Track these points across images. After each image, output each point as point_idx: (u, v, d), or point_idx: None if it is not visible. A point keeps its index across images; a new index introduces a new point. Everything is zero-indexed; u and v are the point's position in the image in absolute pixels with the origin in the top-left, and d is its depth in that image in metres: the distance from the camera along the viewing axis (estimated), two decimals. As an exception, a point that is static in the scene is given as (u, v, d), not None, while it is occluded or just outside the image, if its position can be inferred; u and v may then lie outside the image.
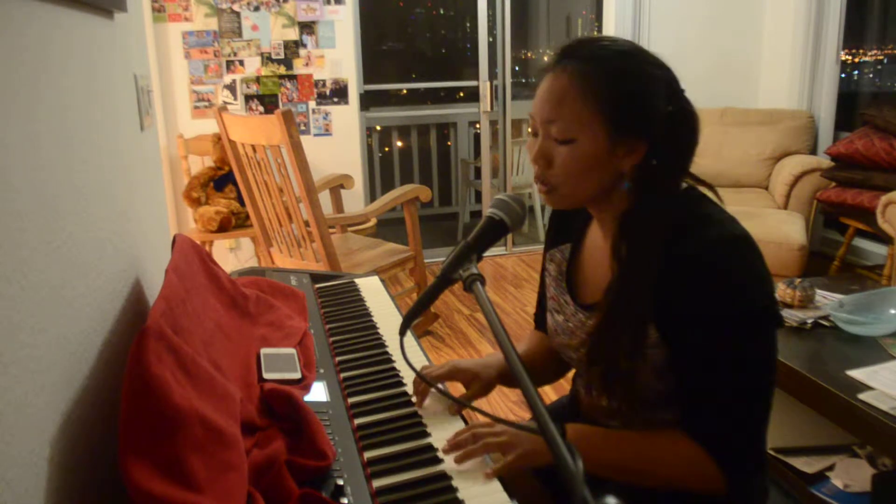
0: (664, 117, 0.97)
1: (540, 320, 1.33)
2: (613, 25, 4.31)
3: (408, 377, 1.14)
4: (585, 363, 1.06)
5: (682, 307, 0.95)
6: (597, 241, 1.12)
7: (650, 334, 0.98)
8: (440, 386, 1.08)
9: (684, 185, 1.04)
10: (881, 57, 4.48)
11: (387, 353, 1.24)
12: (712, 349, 0.94)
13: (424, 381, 1.04)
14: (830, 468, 1.79)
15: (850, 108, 4.27)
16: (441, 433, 0.99)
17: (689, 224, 0.97)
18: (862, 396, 1.50)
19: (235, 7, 3.84)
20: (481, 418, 0.99)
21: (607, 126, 0.95)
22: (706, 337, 0.94)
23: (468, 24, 6.41)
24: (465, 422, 1.04)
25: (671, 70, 1.00)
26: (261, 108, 3.98)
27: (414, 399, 1.08)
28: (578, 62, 0.97)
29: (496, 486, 0.88)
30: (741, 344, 0.94)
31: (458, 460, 0.91)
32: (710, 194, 1.05)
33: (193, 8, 3.79)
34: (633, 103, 0.96)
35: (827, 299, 2.00)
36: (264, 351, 1.09)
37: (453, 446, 0.93)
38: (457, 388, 1.15)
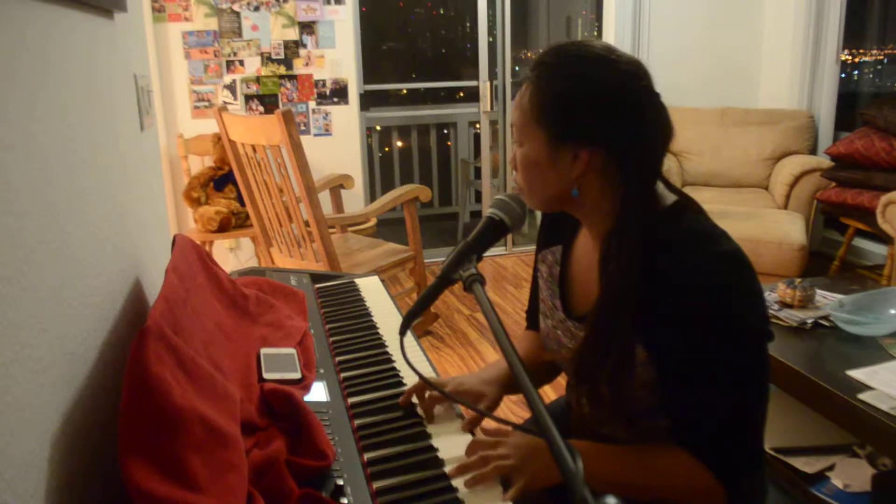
0: (615, 123, 0.94)
1: (532, 319, 1.32)
2: (613, 25, 4.31)
3: (408, 377, 1.14)
4: (573, 377, 1.06)
5: (673, 325, 0.93)
6: (586, 245, 1.11)
7: (638, 352, 0.97)
8: (447, 391, 1.06)
9: (674, 198, 1.01)
10: (881, 57, 4.49)
11: (387, 353, 1.24)
12: (705, 367, 0.93)
13: (429, 384, 1.02)
14: (830, 468, 1.79)
15: (850, 108, 4.27)
16: (442, 434, 0.99)
17: (680, 240, 0.95)
18: (862, 396, 1.50)
19: (235, 7, 3.84)
20: (485, 420, 0.98)
21: (544, 133, 0.97)
22: (698, 355, 0.93)
23: (468, 24, 6.41)
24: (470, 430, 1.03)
25: (636, 72, 0.96)
26: (261, 108, 3.98)
27: (420, 412, 1.05)
28: (534, 70, 0.99)
29: (496, 486, 0.88)
30: (734, 361, 0.93)
31: (469, 485, 0.88)
32: (697, 205, 1.03)
33: (193, 8, 3.79)
34: (565, 113, 0.95)
35: (827, 299, 2.00)
36: (264, 351, 1.09)
37: (461, 469, 0.90)
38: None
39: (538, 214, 1.17)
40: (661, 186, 1.01)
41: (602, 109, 0.94)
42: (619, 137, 0.94)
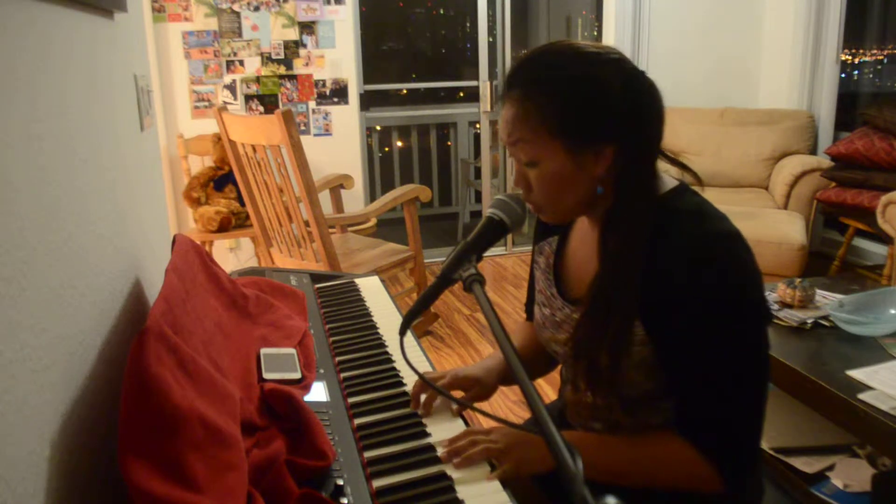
0: (624, 113, 0.94)
1: (530, 311, 1.33)
2: (613, 25, 4.31)
3: (408, 377, 1.14)
4: (571, 352, 1.06)
5: (671, 302, 0.94)
6: (584, 233, 1.11)
7: (636, 331, 0.97)
8: (440, 386, 1.08)
9: (676, 181, 1.03)
10: (881, 57, 4.49)
11: (387, 353, 1.24)
12: (701, 345, 0.94)
13: (425, 381, 1.03)
14: (830, 468, 1.79)
15: (850, 108, 4.27)
16: (441, 433, 0.99)
17: (681, 219, 0.96)
18: (862, 396, 1.50)
19: (235, 7, 3.84)
20: (482, 418, 0.98)
21: (563, 143, 0.95)
22: (695, 332, 0.93)
23: (468, 24, 6.41)
24: (466, 422, 1.04)
25: (619, 58, 0.97)
26: (261, 108, 3.98)
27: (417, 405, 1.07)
28: (521, 88, 0.97)
29: (496, 485, 0.88)
30: (731, 339, 0.93)
31: (457, 466, 0.91)
32: (689, 178, 1.04)
33: (193, 8, 3.79)
34: (581, 114, 0.94)
35: (827, 299, 2.00)
36: (264, 351, 1.09)
37: (451, 453, 0.93)
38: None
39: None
40: (661, 173, 1.02)
41: (612, 101, 0.94)
42: (630, 123, 0.95)
